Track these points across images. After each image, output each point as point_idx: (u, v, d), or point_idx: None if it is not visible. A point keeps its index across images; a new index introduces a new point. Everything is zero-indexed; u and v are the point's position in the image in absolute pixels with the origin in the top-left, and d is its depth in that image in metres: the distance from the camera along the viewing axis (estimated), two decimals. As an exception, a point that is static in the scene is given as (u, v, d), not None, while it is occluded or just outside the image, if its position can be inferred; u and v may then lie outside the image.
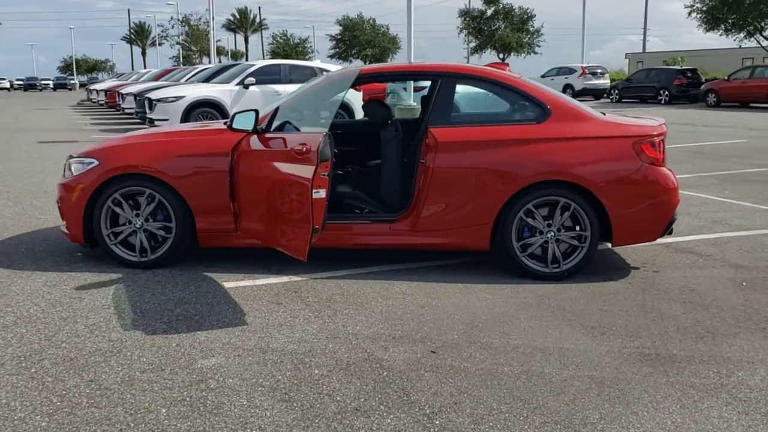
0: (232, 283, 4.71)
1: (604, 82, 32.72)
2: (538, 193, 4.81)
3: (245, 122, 4.67)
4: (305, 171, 3.91)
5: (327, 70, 15.17)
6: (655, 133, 4.90)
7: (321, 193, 3.85)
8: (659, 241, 5.55)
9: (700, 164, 11.00)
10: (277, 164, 4.27)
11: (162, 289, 4.57)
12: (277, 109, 4.80)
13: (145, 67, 60.56)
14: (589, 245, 4.85)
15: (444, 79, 5.04)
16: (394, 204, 5.13)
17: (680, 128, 17.12)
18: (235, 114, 4.72)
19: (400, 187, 5.13)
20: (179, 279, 4.78)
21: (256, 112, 4.71)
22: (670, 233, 5.16)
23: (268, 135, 4.68)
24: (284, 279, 4.81)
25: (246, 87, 14.60)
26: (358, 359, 3.49)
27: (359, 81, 4.95)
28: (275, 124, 4.71)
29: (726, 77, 25.32)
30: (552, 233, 4.85)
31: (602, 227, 4.89)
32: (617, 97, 30.25)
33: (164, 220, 4.98)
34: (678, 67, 31.42)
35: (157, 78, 25.79)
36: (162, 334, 3.78)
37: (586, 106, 5.17)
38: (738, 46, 40.52)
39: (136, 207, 4.98)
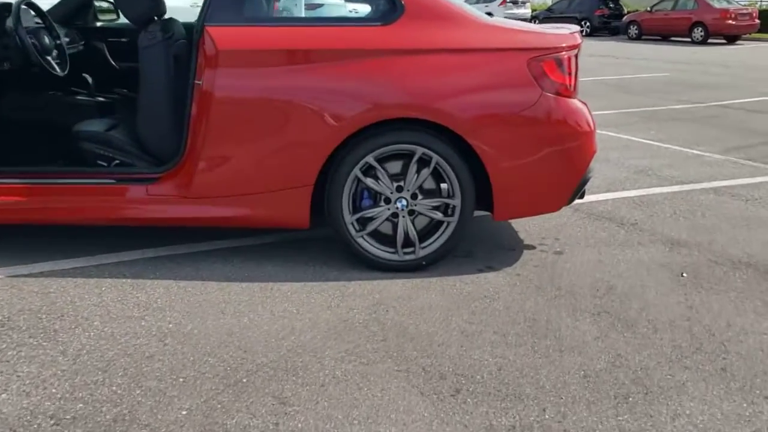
0: None
1: (525, 11, 30.99)
2: (383, 139, 3.04)
3: None
4: None
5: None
6: (563, 45, 3.16)
7: None
8: (567, 205, 3.91)
9: (621, 99, 9.50)
10: None
11: None
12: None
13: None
14: (459, 219, 3.14)
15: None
16: (161, 153, 3.25)
17: (601, 60, 15.69)
18: None
19: (168, 126, 3.24)
20: None
21: None
22: (581, 197, 3.52)
23: None
24: (-37, 278, 2.91)
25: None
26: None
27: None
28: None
29: (648, 8, 24.08)
30: (404, 201, 3.11)
31: (480, 191, 3.19)
32: (537, 27, 28.66)
33: None
34: (600, -2, 30.01)
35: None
36: None
37: (461, 3, 3.36)
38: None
39: None
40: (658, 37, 23.26)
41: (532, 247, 3.60)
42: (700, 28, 20.64)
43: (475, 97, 3.04)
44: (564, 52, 3.14)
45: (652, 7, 23.94)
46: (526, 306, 2.87)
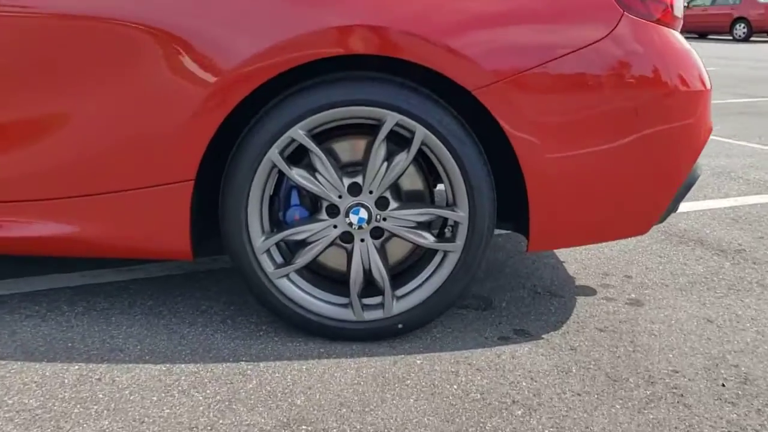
0: None
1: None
2: (323, 95, 1.60)
3: None
4: None
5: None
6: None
7: None
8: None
9: (670, 91, 7.97)
10: None
11: None
12: None
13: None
14: (467, 247, 1.70)
15: None
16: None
17: (636, 55, 14.18)
18: None
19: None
20: None
21: None
22: (675, 209, 2.06)
23: None
24: None
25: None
26: None
27: None
28: None
29: (685, 3, 22.47)
30: (363, 212, 1.68)
31: (506, 199, 1.76)
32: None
33: None
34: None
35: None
36: None
37: None
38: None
39: None
40: (695, 35, 21.71)
41: (590, 292, 2.15)
42: (742, 24, 19.00)
43: (498, 24, 1.60)
44: (663, -58, 1.70)
45: (689, 2, 22.37)
46: (595, 427, 1.43)
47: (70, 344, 1.70)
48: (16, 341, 1.71)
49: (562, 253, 2.49)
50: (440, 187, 1.97)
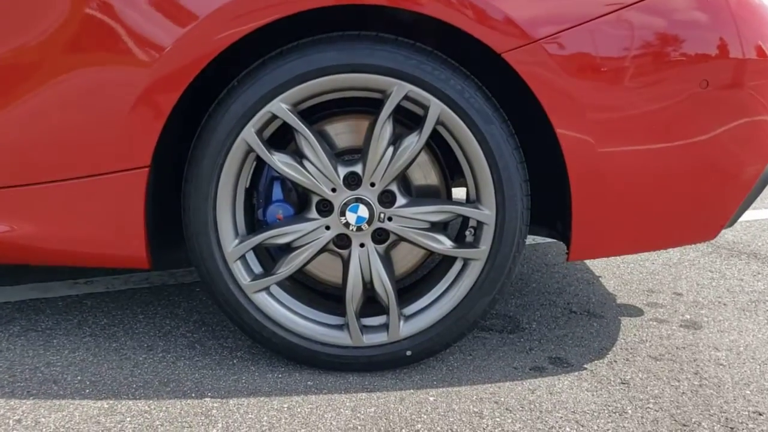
0: None
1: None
2: (312, 59, 1.26)
3: None
4: None
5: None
6: None
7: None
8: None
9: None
10: None
11: None
12: None
13: None
14: (493, 253, 1.35)
15: None
16: None
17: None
18: None
19: None
20: None
21: None
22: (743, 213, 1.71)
23: None
24: None
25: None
26: None
27: None
28: None
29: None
30: (363, 209, 1.33)
31: (541, 198, 1.42)
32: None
33: None
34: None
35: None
36: None
37: None
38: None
39: None
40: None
41: (636, 312, 1.80)
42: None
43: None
44: None
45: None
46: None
47: (-7, 374, 1.36)
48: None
49: (596, 267, 2.14)
50: (460, 193, 1.64)
